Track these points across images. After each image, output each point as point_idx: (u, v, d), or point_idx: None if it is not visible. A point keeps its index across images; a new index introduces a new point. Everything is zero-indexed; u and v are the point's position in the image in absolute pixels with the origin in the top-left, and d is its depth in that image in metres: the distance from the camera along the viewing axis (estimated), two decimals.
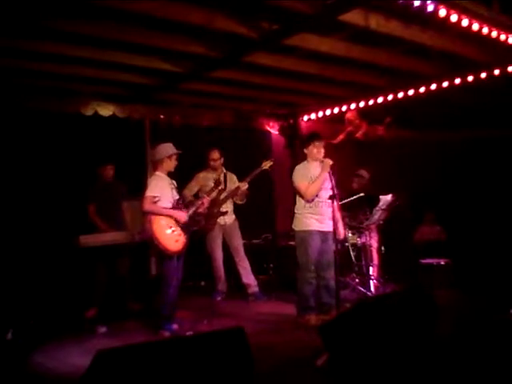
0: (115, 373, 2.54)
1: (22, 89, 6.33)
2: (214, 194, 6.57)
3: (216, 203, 6.87)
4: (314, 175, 5.56)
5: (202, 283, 7.73)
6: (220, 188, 6.86)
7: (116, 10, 4.43)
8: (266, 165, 6.85)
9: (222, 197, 6.92)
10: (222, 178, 6.95)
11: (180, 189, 5.69)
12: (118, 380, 2.55)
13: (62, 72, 5.92)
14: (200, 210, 5.68)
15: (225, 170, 7.12)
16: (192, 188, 6.85)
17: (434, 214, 8.61)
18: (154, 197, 5.19)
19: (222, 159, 7.06)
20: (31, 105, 6.42)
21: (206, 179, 6.92)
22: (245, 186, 6.78)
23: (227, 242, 7.05)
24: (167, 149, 5.38)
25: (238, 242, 7.04)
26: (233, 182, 7.08)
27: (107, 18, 4.70)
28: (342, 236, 5.81)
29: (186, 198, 6.42)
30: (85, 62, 5.69)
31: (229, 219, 7.01)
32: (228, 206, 7.00)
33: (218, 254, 7.00)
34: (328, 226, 5.56)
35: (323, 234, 5.56)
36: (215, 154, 7.01)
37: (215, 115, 8.11)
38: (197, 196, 6.76)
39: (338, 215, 5.64)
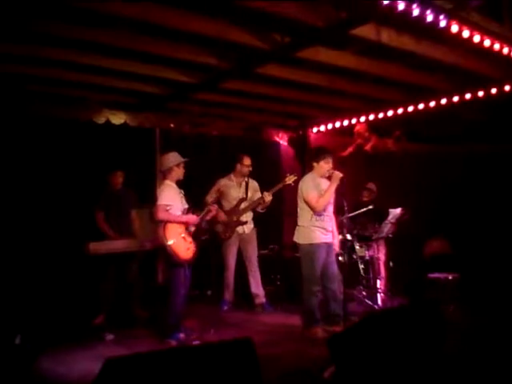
0: (123, 381, 2.56)
1: (34, 96, 6.37)
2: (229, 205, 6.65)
3: (235, 212, 6.88)
4: (322, 188, 5.57)
5: (209, 292, 7.72)
6: (241, 197, 6.88)
7: (129, 19, 4.47)
8: (290, 179, 6.76)
9: (243, 206, 6.92)
10: (244, 186, 6.99)
11: (191, 198, 5.69)
12: None
13: (75, 80, 5.97)
14: (207, 218, 5.70)
15: (247, 179, 7.08)
16: (212, 194, 6.83)
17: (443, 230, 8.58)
18: (167, 205, 5.23)
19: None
20: (44, 112, 6.46)
21: (227, 186, 6.94)
22: (269, 197, 6.68)
23: (242, 249, 7.02)
24: (175, 157, 5.43)
25: (252, 251, 7.02)
26: (254, 189, 7.06)
27: (121, 27, 4.74)
28: (337, 249, 5.89)
29: (207, 203, 6.32)
30: (98, 71, 5.75)
31: (248, 229, 7.00)
32: (248, 216, 6.99)
33: (231, 263, 6.98)
34: (331, 237, 5.60)
35: (328, 245, 5.58)
36: (249, 160, 6.98)
37: (225, 125, 8.16)
38: (219, 202, 6.81)
39: (335, 228, 5.77)
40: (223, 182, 7.01)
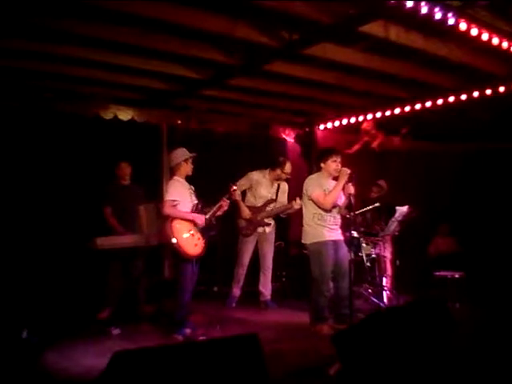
0: (130, 374, 2.57)
1: (42, 91, 6.40)
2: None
3: (260, 212, 6.82)
4: (328, 188, 5.55)
5: (215, 289, 7.72)
6: (270, 198, 6.82)
7: (138, 16, 4.49)
8: None
9: (270, 208, 6.85)
10: (275, 187, 6.90)
11: (198, 194, 5.65)
12: (133, 381, 2.58)
13: (83, 75, 6.01)
14: (219, 213, 5.65)
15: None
16: (241, 186, 6.66)
17: (448, 226, 8.57)
18: (174, 201, 5.24)
19: None
20: (51, 107, 6.49)
21: (257, 182, 6.85)
22: (298, 206, 6.31)
23: (259, 247, 6.96)
24: (183, 153, 5.44)
25: (269, 250, 6.95)
26: (283, 191, 6.95)
27: (129, 23, 4.77)
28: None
29: (231, 187, 6.11)
30: (106, 67, 5.78)
31: (268, 229, 6.93)
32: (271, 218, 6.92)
33: (246, 260, 6.88)
34: (338, 235, 5.57)
35: (335, 242, 5.55)
36: (290, 168, 6.85)
37: (232, 122, 8.16)
38: (243, 194, 6.76)
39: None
40: (256, 176, 6.88)
